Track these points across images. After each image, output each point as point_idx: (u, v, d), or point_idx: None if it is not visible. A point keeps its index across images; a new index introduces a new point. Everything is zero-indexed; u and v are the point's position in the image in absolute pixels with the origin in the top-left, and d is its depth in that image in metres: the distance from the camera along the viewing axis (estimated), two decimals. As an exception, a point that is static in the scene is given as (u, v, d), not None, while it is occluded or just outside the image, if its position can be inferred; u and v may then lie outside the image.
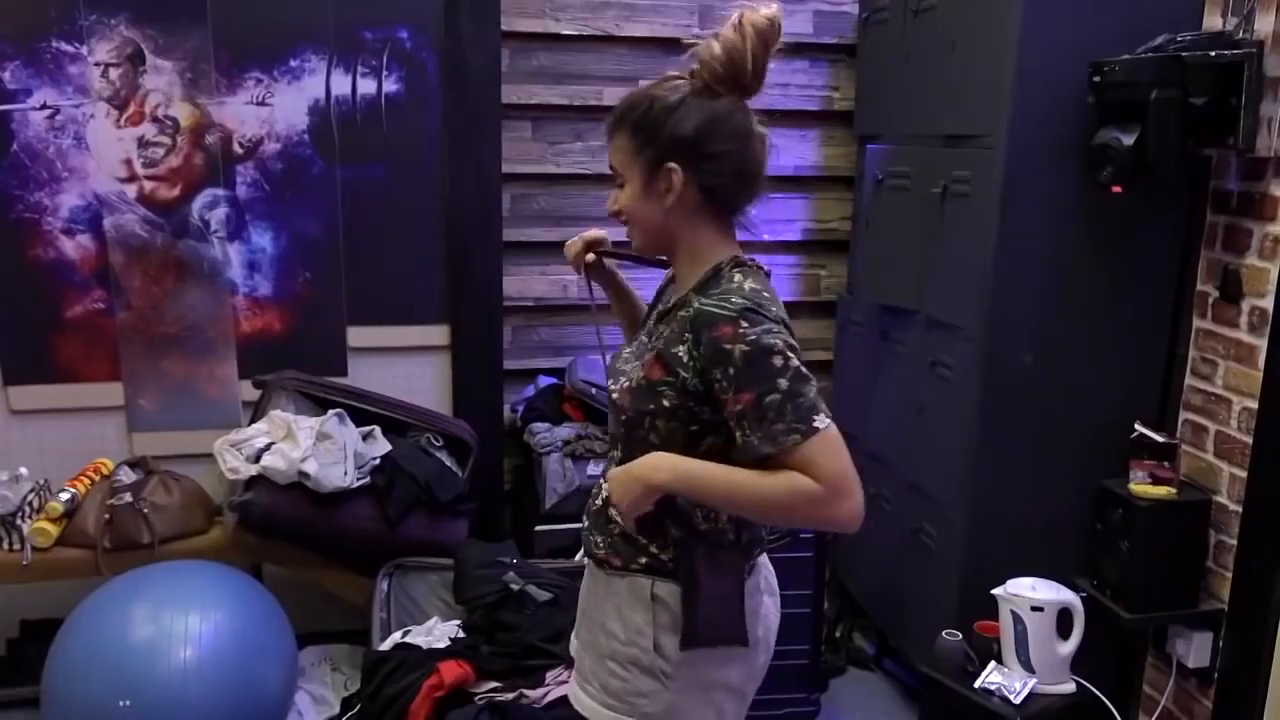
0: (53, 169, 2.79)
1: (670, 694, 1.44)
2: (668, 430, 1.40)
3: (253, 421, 2.73)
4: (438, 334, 3.07)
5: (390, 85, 2.93)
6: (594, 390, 2.95)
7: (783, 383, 1.31)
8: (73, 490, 2.72)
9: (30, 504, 2.68)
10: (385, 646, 2.44)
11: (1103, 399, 2.48)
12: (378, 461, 2.64)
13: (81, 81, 2.76)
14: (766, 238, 3.34)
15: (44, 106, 2.76)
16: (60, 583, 2.65)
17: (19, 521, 2.64)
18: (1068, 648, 2.30)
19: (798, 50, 3.23)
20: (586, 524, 1.55)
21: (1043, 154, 2.35)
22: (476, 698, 2.23)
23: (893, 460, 2.88)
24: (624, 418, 1.45)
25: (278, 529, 2.56)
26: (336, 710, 2.61)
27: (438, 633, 2.46)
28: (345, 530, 2.61)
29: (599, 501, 1.51)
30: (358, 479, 2.58)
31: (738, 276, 1.40)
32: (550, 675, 2.30)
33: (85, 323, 2.88)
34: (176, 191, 2.87)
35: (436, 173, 2.98)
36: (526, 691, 2.25)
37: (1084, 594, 2.37)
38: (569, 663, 2.29)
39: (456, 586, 2.59)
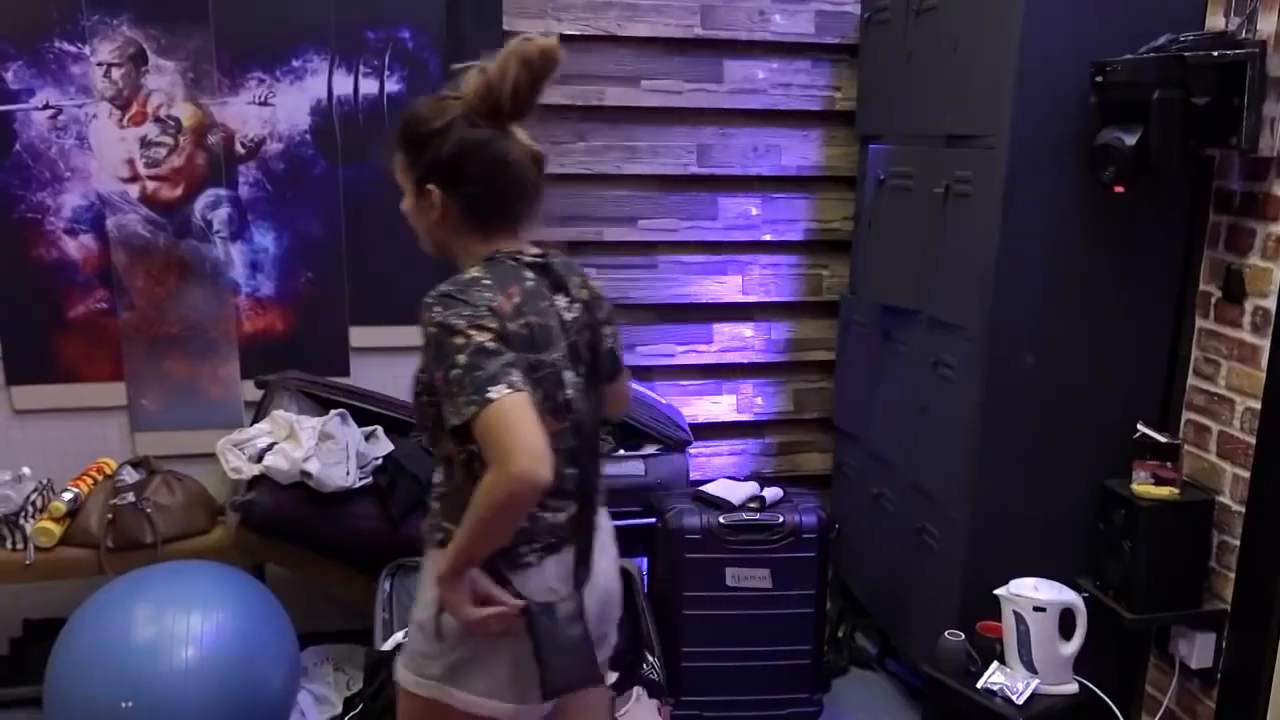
0: (55, 169, 2.79)
1: (451, 657, 1.50)
2: (432, 413, 1.47)
3: (255, 421, 2.73)
4: (440, 334, 3.07)
5: (392, 85, 2.93)
6: (596, 390, 2.94)
7: (462, 358, 1.38)
8: (76, 490, 2.72)
9: (33, 503, 2.68)
10: (388, 646, 2.44)
11: (1105, 399, 2.48)
12: (380, 461, 2.64)
13: (84, 82, 2.76)
14: (768, 237, 3.34)
15: (46, 106, 2.76)
16: (63, 582, 2.65)
17: (22, 521, 2.64)
18: (1070, 648, 2.30)
19: (799, 50, 3.23)
20: None
21: (1045, 154, 2.34)
22: (479, 697, 2.23)
23: (895, 460, 2.87)
24: (424, 426, 1.56)
25: (280, 529, 2.55)
26: (339, 710, 2.60)
27: (440, 633, 2.46)
28: (347, 530, 2.61)
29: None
30: (360, 479, 2.58)
31: (472, 271, 1.49)
32: (552, 675, 2.29)
33: (88, 323, 2.88)
34: (179, 191, 2.87)
35: (439, 173, 2.98)
36: (529, 691, 2.24)
37: (1086, 594, 2.37)
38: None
39: (459, 586, 2.59)
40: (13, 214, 2.78)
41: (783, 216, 3.34)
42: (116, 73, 2.78)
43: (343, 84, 2.90)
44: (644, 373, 3.33)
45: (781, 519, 2.67)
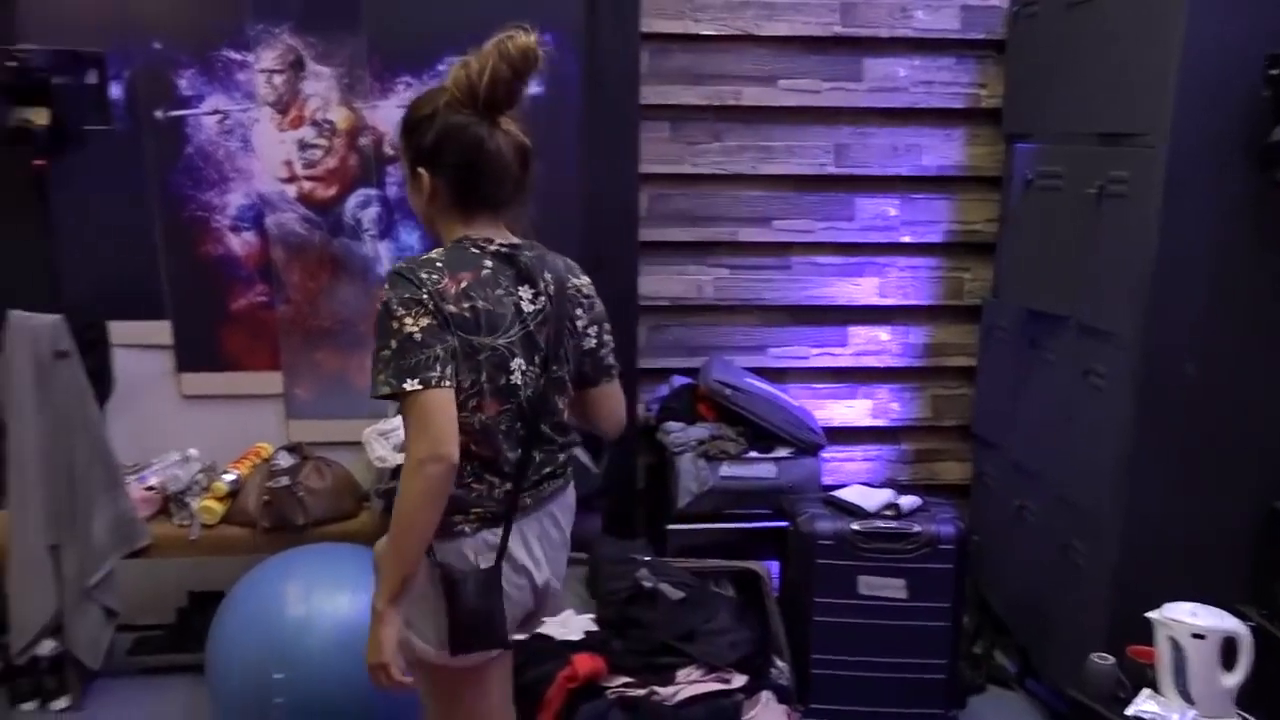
0: (222, 170, 2.96)
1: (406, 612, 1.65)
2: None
3: (397, 413, 2.83)
4: (575, 332, 3.12)
5: (533, 88, 2.97)
6: (729, 391, 2.94)
7: (392, 343, 1.54)
8: (236, 472, 2.89)
9: (199, 483, 2.87)
10: (520, 636, 2.50)
11: (1272, 414, 2.32)
12: (515, 455, 2.70)
13: (248, 88, 2.92)
14: (907, 239, 3.26)
15: (215, 112, 2.93)
16: (223, 558, 2.82)
17: (188, 499, 2.83)
18: (1233, 680, 2.15)
19: (943, 47, 3.14)
20: None
21: (1210, 152, 2.21)
22: (608, 691, 2.26)
23: (1039, 472, 2.76)
24: None
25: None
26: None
27: (572, 625, 2.50)
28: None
29: None
30: (496, 472, 2.64)
31: (433, 252, 1.63)
32: (681, 674, 2.30)
33: (249, 315, 3.05)
34: (332, 191, 3.00)
35: (576, 173, 3.03)
36: (658, 689, 2.26)
37: (1252, 623, 2.22)
38: (702, 662, 2.30)
39: (590, 581, 2.63)
40: (184, 212, 2.97)
41: (922, 217, 3.26)
42: (278, 79, 2.93)
43: (487, 87, 2.98)
44: (777, 374, 3.31)
45: (918, 528, 2.61)
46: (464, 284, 1.59)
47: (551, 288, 1.70)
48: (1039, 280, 2.78)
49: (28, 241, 2.85)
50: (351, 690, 2.34)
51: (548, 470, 1.73)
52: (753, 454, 2.90)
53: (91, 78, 2.78)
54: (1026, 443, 2.85)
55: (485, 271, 1.62)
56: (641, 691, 2.26)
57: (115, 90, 2.87)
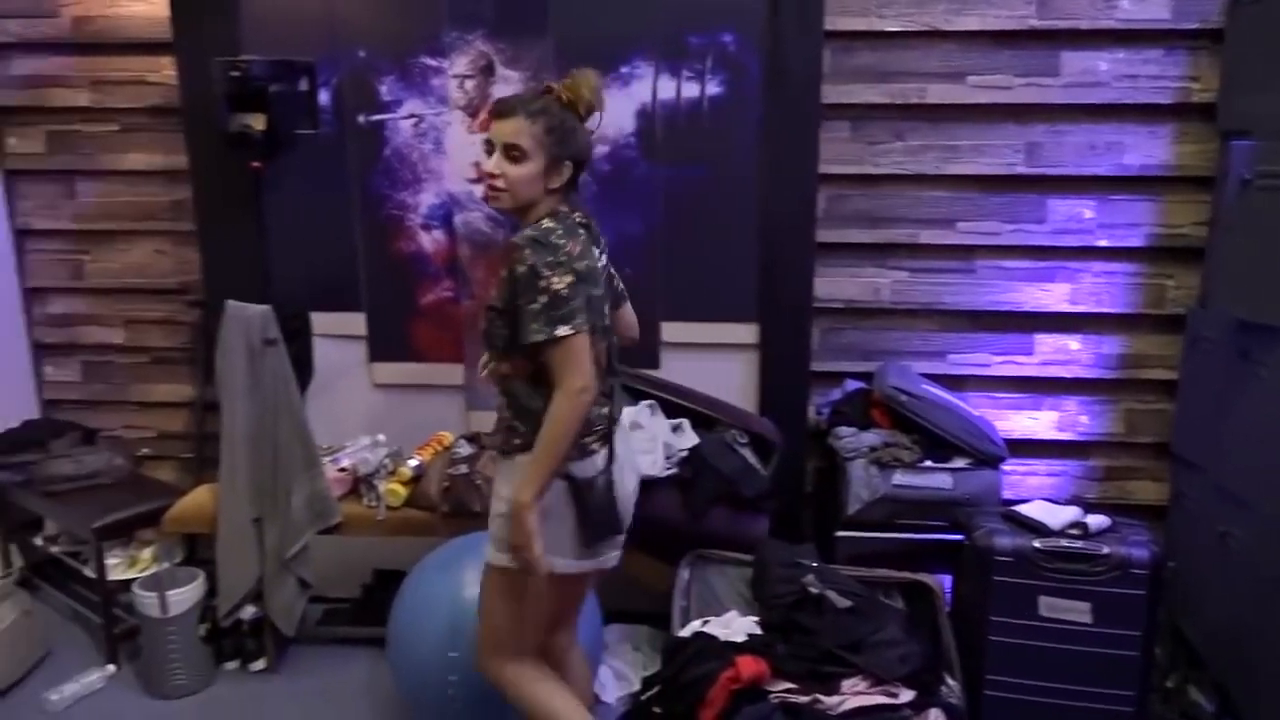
0: (415, 171, 3.12)
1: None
2: (504, 336, 1.95)
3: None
4: (747, 332, 3.12)
5: (713, 88, 3.00)
6: (904, 397, 2.86)
7: (543, 298, 1.86)
8: (420, 458, 3.04)
9: (385, 467, 3.03)
10: (685, 633, 2.52)
11: None
12: (685, 453, 2.72)
13: (442, 92, 3.07)
14: (1103, 243, 3.08)
15: (411, 116, 3.09)
16: (406, 538, 2.97)
17: (376, 481, 3.00)
18: None
19: (1151, 38, 2.94)
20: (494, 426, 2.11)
21: None
22: (771, 695, 2.24)
23: (1249, 497, 2.54)
24: (482, 331, 2.01)
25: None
26: (637, 687, 2.73)
27: (736, 626, 2.50)
28: (651, 517, 2.70)
29: (495, 403, 2.07)
30: (665, 469, 2.67)
31: (545, 222, 1.94)
32: (847, 684, 2.26)
33: (436, 309, 3.20)
34: (517, 191, 3.11)
35: (754, 173, 3.02)
36: (822, 697, 2.22)
37: None
38: (868, 674, 2.25)
39: (755, 583, 2.62)
40: (380, 212, 3.15)
41: (1121, 220, 3.06)
42: (469, 83, 3.06)
43: (666, 88, 3.01)
44: (956, 382, 3.19)
45: (1107, 550, 2.46)
46: (578, 248, 1.93)
47: (605, 245, 2.10)
48: (1256, 288, 2.56)
49: (244, 238, 3.10)
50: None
51: (616, 394, 2.11)
52: (928, 463, 2.81)
53: (303, 85, 2.99)
54: (1234, 465, 2.63)
55: (582, 237, 1.97)
56: (805, 698, 2.23)
57: (323, 96, 3.07)
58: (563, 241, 1.90)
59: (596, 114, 1.99)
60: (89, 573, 3.17)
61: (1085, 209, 3.08)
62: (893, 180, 3.12)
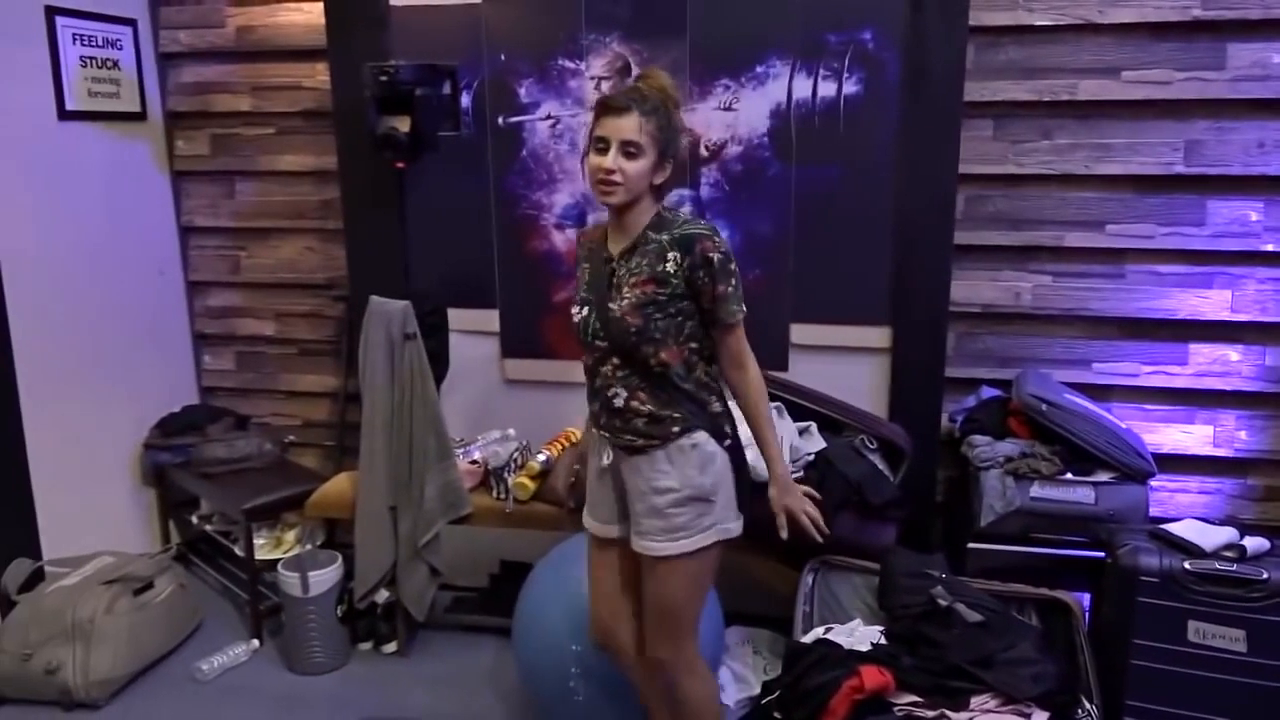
0: (551, 172, 3.19)
1: (713, 510, 2.08)
2: (665, 325, 2.01)
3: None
4: (879, 336, 3.06)
5: (850, 87, 2.96)
6: (1045, 406, 2.75)
7: (734, 280, 2.01)
8: (548, 453, 3.11)
9: (515, 460, 3.11)
10: (807, 639, 2.49)
11: None
12: (811, 458, 2.70)
13: (579, 94, 3.13)
14: (1270, 248, 2.90)
15: (548, 117, 3.17)
16: (533, 531, 3.04)
17: (505, 474, 3.08)
18: None
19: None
20: (611, 425, 2.11)
21: None
22: (895, 708, 2.20)
23: None
24: (633, 330, 2.01)
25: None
26: (756, 691, 2.72)
27: (859, 635, 2.46)
28: (776, 520, 2.69)
29: (618, 404, 2.07)
30: (791, 472, 2.64)
31: (683, 212, 2.10)
32: (975, 701, 2.19)
33: (566, 308, 3.24)
34: (648, 192, 3.14)
35: (890, 173, 2.96)
36: (949, 713, 2.17)
37: None
38: (999, 692, 2.18)
39: (881, 592, 2.57)
40: (516, 211, 3.24)
41: (1301, 222, 2.87)
42: (605, 85, 3.11)
43: (802, 87, 2.99)
44: (1102, 392, 3.05)
45: (1266, 575, 2.31)
46: None
47: None
48: None
49: (387, 236, 3.23)
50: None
51: None
52: (1069, 476, 2.70)
53: (446, 88, 3.10)
54: None
55: None
56: (931, 713, 2.18)
57: (465, 99, 3.18)
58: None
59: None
60: (238, 551, 3.37)
61: (1251, 211, 2.90)
62: (1037, 180, 3.01)
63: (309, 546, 3.35)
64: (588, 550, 2.31)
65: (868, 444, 2.78)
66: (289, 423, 3.84)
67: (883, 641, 2.43)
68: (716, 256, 1.97)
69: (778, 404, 2.76)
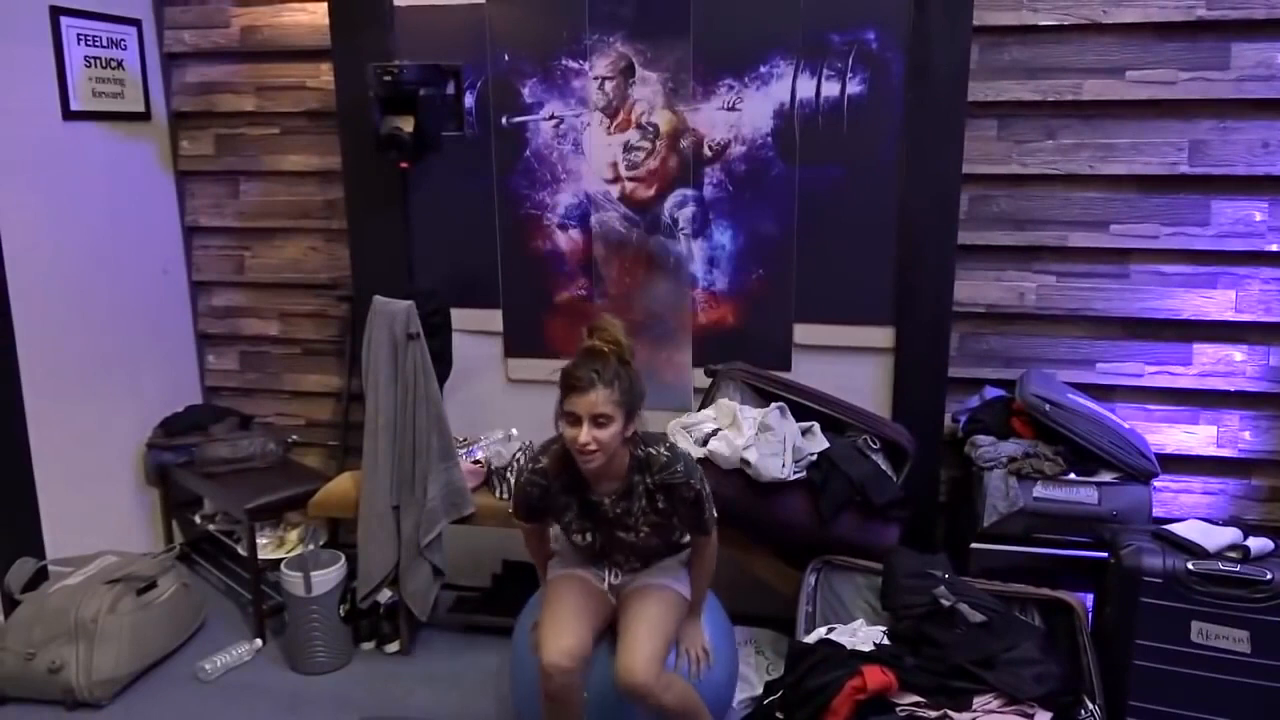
0: (554, 171, 3.21)
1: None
2: (675, 529, 2.42)
3: (702, 407, 2.93)
4: (882, 336, 3.07)
5: (854, 87, 2.97)
6: (1048, 407, 2.76)
7: (709, 499, 2.33)
8: (550, 453, 3.11)
9: (518, 461, 3.13)
10: (810, 639, 2.50)
11: None
12: (814, 458, 2.70)
13: (582, 94, 3.14)
14: (1275, 248, 2.90)
15: (552, 117, 3.18)
16: (535, 532, 3.05)
17: (508, 474, 3.09)
18: None
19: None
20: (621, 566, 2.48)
21: None
22: (898, 708, 2.21)
23: None
24: (656, 545, 2.43)
25: (718, 510, 2.71)
26: (759, 691, 2.73)
27: (862, 635, 2.47)
28: (778, 520, 2.71)
29: (636, 567, 2.47)
30: (794, 472, 2.66)
31: (652, 449, 2.29)
32: (978, 701, 2.20)
33: (570, 307, 3.28)
34: (652, 192, 3.16)
35: (894, 173, 2.97)
36: (951, 713, 2.17)
37: None
38: (1002, 692, 2.19)
39: (884, 592, 2.58)
40: (520, 210, 3.26)
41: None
42: (609, 85, 3.12)
43: (805, 87, 3.00)
44: (1103, 392, 3.06)
45: (1270, 576, 2.32)
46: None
47: None
48: None
49: (391, 236, 3.25)
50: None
51: None
52: (1072, 476, 2.70)
53: (450, 89, 3.12)
54: None
55: None
56: (934, 714, 2.19)
57: (469, 99, 3.20)
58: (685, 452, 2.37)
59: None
60: (241, 551, 3.39)
61: (1256, 211, 2.91)
62: (1042, 180, 3.02)
63: (312, 546, 3.36)
64: (559, 589, 2.42)
65: (871, 444, 2.79)
66: (292, 422, 3.86)
67: (885, 642, 2.44)
68: (692, 495, 2.28)
69: (780, 404, 2.77)
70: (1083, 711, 2.29)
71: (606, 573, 2.47)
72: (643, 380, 2.27)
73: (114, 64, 3.45)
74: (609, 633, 2.40)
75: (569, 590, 2.40)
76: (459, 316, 3.31)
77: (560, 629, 2.27)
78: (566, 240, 3.25)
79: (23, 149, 3.16)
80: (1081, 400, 2.87)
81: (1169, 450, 3.04)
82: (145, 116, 3.60)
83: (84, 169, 3.37)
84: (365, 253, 3.37)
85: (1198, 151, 2.91)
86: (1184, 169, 2.92)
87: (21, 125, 3.15)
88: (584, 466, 2.22)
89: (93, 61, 3.36)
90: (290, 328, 3.80)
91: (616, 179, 3.18)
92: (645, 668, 2.21)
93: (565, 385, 2.19)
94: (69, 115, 3.29)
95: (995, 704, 2.21)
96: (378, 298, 3.06)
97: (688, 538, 2.45)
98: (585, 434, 2.15)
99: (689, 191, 3.13)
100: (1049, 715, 2.19)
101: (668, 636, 2.33)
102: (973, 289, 3.11)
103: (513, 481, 3.03)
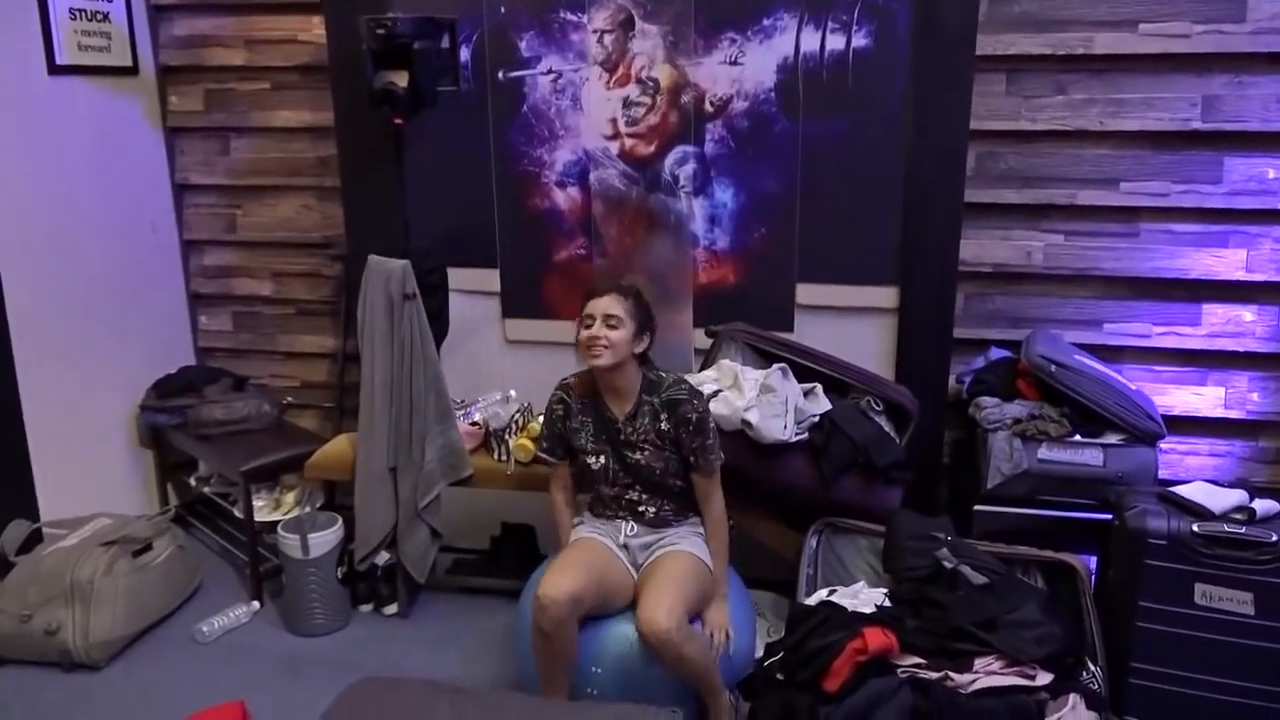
0: (552, 128, 3.18)
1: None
2: (677, 463, 2.51)
3: (703, 368, 2.93)
4: (886, 296, 3.06)
5: (859, 40, 2.94)
6: (1054, 368, 2.77)
7: (712, 435, 2.49)
8: (549, 415, 3.12)
9: (516, 422, 3.14)
10: (811, 601, 2.52)
11: None
12: (817, 419, 2.71)
13: (581, 48, 3.11)
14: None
15: (549, 71, 3.15)
16: (534, 493, 3.06)
17: (506, 436, 3.10)
18: None
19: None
20: (637, 517, 2.57)
21: None
22: (899, 669, 2.23)
23: None
24: (658, 470, 2.50)
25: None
26: (759, 654, 2.75)
27: (863, 597, 2.49)
28: (780, 482, 2.72)
29: (650, 514, 2.56)
30: (796, 434, 2.67)
31: (667, 375, 2.52)
32: (980, 663, 2.22)
33: (569, 266, 3.27)
34: (652, 148, 3.13)
35: (899, 129, 2.95)
36: (952, 674, 2.20)
37: None
38: (1003, 653, 2.22)
39: (886, 555, 2.60)
40: (517, 167, 3.23)
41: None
42: (608, 38, 3.09)
43: (809, 41, 2.97)
44: (1112, 353, 3.07)
45: (1275, 538, 2.34)
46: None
47: None
48: None
49: (385, 193, 3.23)
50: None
51: None
52: (1077, 438, 2.71)
53: (445, 42, 3.08)
54: None
55: None
56: (935, 675, 2.21)
57: (464, 53, 3.16)
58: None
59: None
60: (237, 513, 3.41)
61: (1269, 168, 2.89)
62: (1051, 137, 3.00)
63: (308, 509, 3.38)
64: (575, 546, 2.54)
65: (874, 405, 2.80)
66: (287, 384, 3.86)
67: (887, 604, 2.46)
68: (694, 417, 2.44)
69: (782, 365, 2.77)
70: (1084, 673, 2.32)
71: (624, 525, 2.56)
72: (655, 317, 2.53)
73: (100, 16, 3.40)
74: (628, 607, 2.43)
75: (584, 546, 2.52)
76: (456, 276, 3.30)
77: (564, 570, 2.38)
78: (565, 198, 3.23)
79: (7, 105, 3.13)
80: (1088, 361, 2.87)
81: (1176, 412, 3.05)
82: (133, 71, 3.56)
83: (70, 125, 3.34)
84: (359, 211, 3.35)
85: (1211, 107, 2.88)
86: (1196, 125, 2.90)
87: (6, 80, 3.12)
88: (593, 364, 2.43)
89: (78, 14, 3.32)
90: (283, 288, 3.79)
91: (616, 135, 3.15)
92: (668, 616, 2.26)
93: (585, 297, 2.49)
94: (54, 70, 3.26)
95: (997, 665, 2.23)
96: (373, 257, 3.04)
97: (683, 481, 2.53)
98: (597, 328, 2.40)
99: (690, 148, 3.10)
100: (1050, 677, 2.21)
101: (688, 596, 2.38)
102: (979, 248, 3.10)
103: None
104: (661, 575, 2.40)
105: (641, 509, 2.56)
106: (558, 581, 2.32)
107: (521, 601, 2.61)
